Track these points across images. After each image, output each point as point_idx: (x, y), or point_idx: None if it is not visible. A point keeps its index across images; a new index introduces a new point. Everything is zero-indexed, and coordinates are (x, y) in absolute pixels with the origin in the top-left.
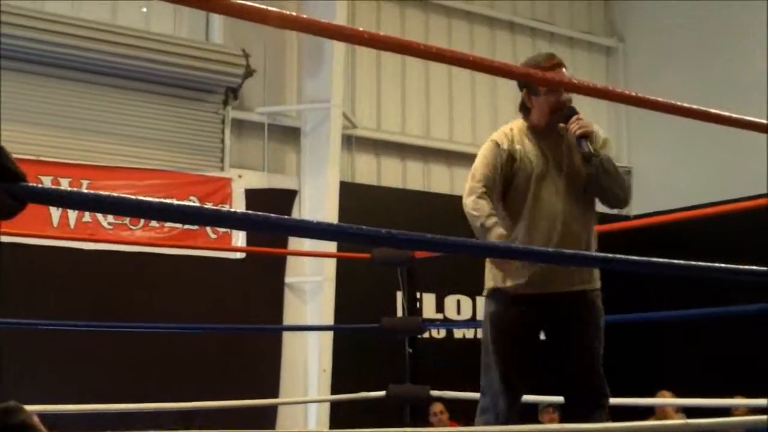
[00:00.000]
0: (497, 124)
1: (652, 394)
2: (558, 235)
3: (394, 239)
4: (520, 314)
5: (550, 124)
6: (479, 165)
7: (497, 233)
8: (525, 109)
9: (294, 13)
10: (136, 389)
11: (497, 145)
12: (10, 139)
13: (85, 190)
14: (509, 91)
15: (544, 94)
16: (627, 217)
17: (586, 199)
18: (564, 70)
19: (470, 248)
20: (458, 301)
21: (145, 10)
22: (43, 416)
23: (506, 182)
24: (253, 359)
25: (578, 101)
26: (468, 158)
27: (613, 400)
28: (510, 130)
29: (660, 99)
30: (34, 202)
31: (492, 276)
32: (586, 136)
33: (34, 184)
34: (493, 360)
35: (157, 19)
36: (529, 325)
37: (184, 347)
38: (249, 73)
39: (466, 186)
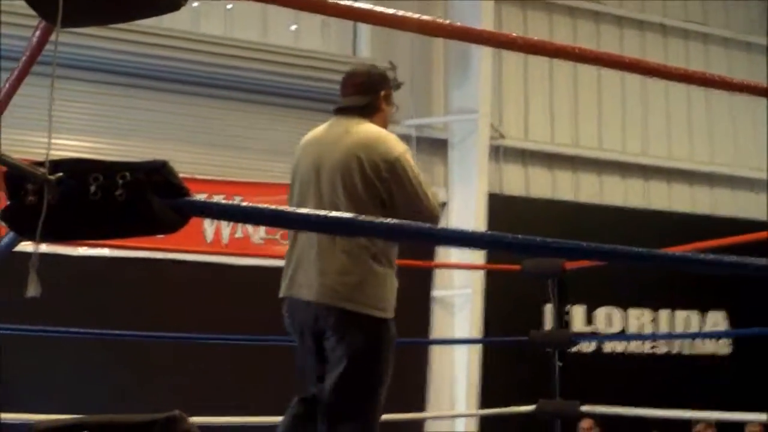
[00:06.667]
0: (648, 132)
1: None
2: None
3: (547, 248)
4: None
5: None
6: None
7: None
8: (370, 112)
9: (436, 19)
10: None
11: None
12: (167, 157)
13: (243, 203)
14: (659, 96)
15: (389, 105)
16: None
17: None
18: None
19: (625, 256)
20: (609, 314)
21: (294, 27)
22: (204, 428)
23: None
24: (400, 373)
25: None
26: (618, 166)
27: None
28: None
29: None
30: (197, 216)
31: (391, 293)
32: None
33: (196, 199)
34: (381, 397)
35: (306, 36)
36: None
37: None
38: (396, 85)
39: (429, 195)
